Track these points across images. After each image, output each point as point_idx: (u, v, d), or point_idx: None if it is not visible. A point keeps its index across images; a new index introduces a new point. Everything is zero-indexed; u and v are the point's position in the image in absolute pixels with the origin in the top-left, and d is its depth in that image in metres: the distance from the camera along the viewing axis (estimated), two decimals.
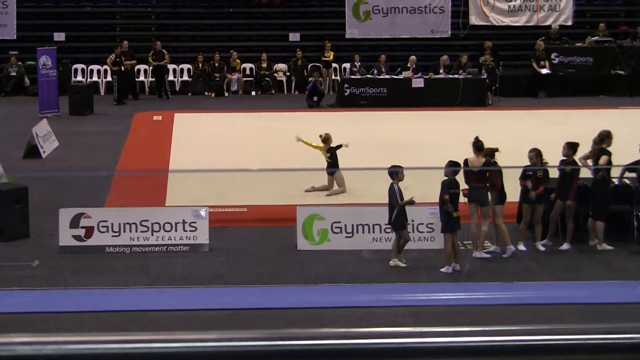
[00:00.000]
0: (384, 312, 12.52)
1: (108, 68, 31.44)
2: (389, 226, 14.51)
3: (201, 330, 2.25)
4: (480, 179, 14.66)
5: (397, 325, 11.66)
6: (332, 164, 17.96)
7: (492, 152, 14.86)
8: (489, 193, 14.74)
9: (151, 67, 32.35)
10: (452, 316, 12.20)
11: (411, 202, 14.25)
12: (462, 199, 14.42)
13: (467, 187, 14.70)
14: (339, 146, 18.21)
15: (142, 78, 32.98)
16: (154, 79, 32.49)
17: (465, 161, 14.79)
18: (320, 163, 18.12)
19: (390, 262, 14.23)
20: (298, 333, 2.31)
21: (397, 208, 14.10)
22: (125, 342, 2.21)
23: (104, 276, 13.75)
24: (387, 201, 14.29)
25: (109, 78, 32.34)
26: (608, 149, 15.45)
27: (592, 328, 2.34)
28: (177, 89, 33.52)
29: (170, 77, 33.63)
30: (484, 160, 14.74)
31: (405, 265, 14.20)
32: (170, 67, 33.54)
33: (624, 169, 16.06)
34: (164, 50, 32.11)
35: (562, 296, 13.10)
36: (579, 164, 15.45)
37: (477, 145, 14.86)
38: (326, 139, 18.22)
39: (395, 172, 14.26)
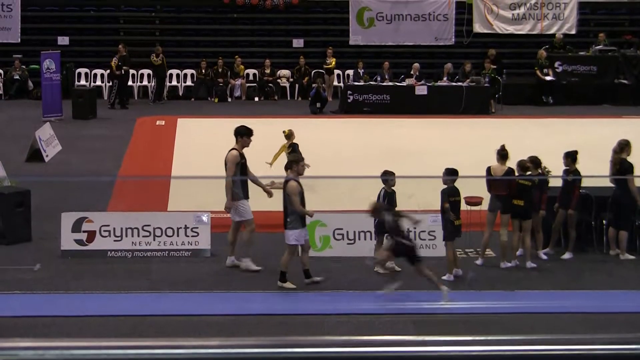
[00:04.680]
0: (386, 320, 12.50)
1: (110, 70, 31.51)
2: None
3: (202, 335, 2.24)
4: (503, 188, 14.61)
5: (399, 333, 11.65)
6: None
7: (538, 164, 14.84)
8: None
9: (150, 70, 32.50)
10: (454, 324, 12.18)
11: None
12: (464, 206, 14.41)
13: (471, 195, 14.70)
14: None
15: (132, 82, 33.09)
16: (145, 83, 32.67)
17: (488, 169, 14.75)
18: (322, 170, 18.11)
19: (375, 268, 14.25)
20: (300, 340, 2.31)
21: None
22: (128, 347, 2.21)
23: (106, 280, 13.75)
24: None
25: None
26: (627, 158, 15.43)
27: (596, 338, 2.33)
28: (181, 94, 33.55)
29: (174, 82, 33.69)
30: (506, 168, 14.68)
31: (385, 272, 14.19)
32: (174, 72, 33.60)
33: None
34: (161, 55, 32.18)
35: (565, 305, 13.07)
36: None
37: (502, 153, 14.78)
38: (289, 135, 18.36)
39: (385, 180, 14.32)
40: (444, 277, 13.96)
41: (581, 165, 15.38)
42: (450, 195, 13.95)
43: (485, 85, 30.77)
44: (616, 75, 33.13)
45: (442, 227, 14.25)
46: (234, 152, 14.39)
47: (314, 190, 17.41)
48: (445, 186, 14.05)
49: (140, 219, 15.10)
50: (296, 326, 11.92)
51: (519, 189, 14.54)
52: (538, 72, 32.55)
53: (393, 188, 14.34)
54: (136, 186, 20.12)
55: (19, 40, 33.59)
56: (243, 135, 14.55)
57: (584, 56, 33.43)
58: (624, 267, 14.92)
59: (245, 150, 14.60)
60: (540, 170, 15.01)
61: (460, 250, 14.82)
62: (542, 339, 2.35)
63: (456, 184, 14.10)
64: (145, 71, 32.83)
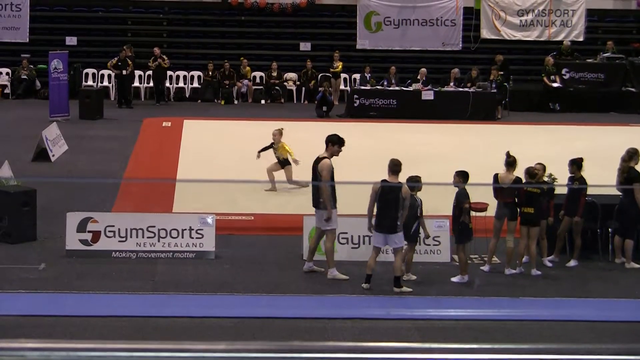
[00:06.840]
0: (390, 325, 12.48)
1: (112, 71, 31.77)
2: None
3: (206, 338, 2.24)
4: (510, 195, 14.58)
5: (403, 339, 11.63)
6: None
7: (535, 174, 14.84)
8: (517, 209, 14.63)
9: (150, 71, 32.52)
10: (458, 331, 12.16)
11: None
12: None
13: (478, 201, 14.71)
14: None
15: (139, 84, 33.14)
16: (152, 84, 32.69)
17: (495, 176, 14.71)
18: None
19: (404, 276, 14.13)
20: (304, 345, 2.31)
21: (418, 221, 14.12)
22: (134, 350, 2.21)
23: (110, 281, 13.75)
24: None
25: None
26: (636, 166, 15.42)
27: (600, 348, 2.33)
28: (187, 96, 33.60)
29: (181, 84, 33.74)
30: (514, 177, 14.63)
31: (415, 278, 14.22)
32: (181, 73, 33.66)
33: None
34: (163, 56, 32.15)
35: (569, 313, 13.04)
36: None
37: (509, 160, 14.72)
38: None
39: (414, 187, 14.29)
40: (456, 279, 13.97)
41: (587, 173, 15.35)
42: (467, 197, 13.97)
43: (492, 91, 30.77)
44: (624, 83, 33.13)
45: (455, 230, 14.21)
46: (328, 160, 14.33)
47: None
48: (458, 188, 14.05)
49: (145, 220, 15.11)
50: (300, 330, 11.91)
51: (528, 197, 14.53)
52: (545, 79, 32.55)
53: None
54: (141, 187, 20.13)
55: (27, 39, 33.67)
56: (335, 143, 14.47)
57: (591, 63, 33.41)
58: (629, 276, 14.90)
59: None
60: (546, 178, 15.01)
61: None
62: (546, 348, 2.35)
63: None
64: (148, 72, 32.90)
